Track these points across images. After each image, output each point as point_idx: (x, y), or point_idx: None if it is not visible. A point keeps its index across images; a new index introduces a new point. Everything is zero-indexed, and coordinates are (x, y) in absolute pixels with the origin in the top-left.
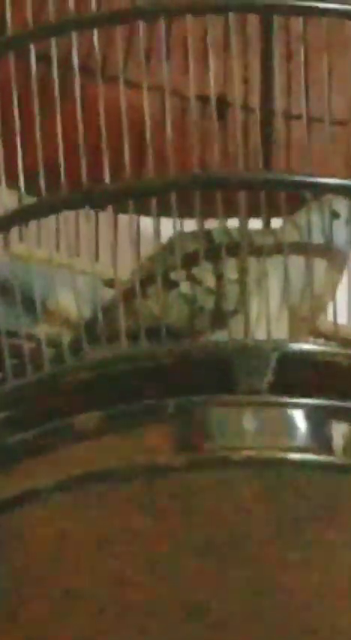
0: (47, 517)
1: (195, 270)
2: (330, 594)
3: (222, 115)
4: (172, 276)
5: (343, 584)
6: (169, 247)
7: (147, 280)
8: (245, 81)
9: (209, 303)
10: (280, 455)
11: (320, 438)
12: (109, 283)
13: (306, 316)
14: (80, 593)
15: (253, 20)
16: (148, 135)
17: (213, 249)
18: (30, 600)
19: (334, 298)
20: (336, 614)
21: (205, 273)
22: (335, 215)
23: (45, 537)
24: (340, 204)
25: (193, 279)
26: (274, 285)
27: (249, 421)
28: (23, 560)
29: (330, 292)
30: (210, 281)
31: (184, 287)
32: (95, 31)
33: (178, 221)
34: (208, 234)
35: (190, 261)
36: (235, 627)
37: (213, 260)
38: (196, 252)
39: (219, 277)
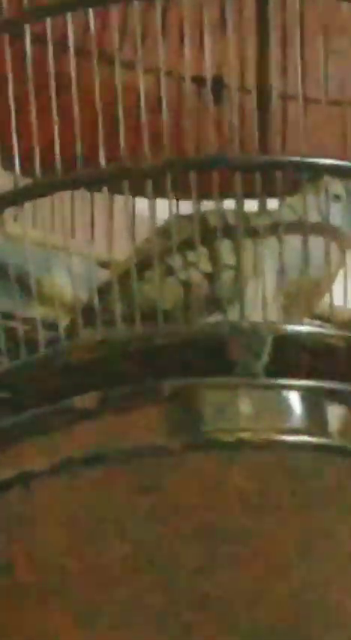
0: (43, 500)
1: (191, 255)
2: (328, 576)
3: (218, 95)
4: (168, 261)
5: (341, 567)
6: (165, 231)
7: (143, 264)
8: (241, 61)
9: (205, 287)
10: (276, 437)
11: (316, 420)
12: (105, 265)
13: (303, 299)
14: (76, 576)
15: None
16: (143, 116)
17: (208, 233)
18: (25, 583)
19: (333, 282)
20: (333, 596)
21: (201, 257)
22: (335, 197)
23: (40, 521)
24: (337, 186)
25: (188, 264)
26: (270, 267)
27: (244, 403)
28: (18, 543)
29: (330, 276)
30: (206, 266)
31: (180, 272)
32: (91, 12)
33: (173, 203)
34: (203, 216)
35: (186, 245)
36: (233, 612)
37: (208, 243)
38: (192, 235)
39: (215, 261)
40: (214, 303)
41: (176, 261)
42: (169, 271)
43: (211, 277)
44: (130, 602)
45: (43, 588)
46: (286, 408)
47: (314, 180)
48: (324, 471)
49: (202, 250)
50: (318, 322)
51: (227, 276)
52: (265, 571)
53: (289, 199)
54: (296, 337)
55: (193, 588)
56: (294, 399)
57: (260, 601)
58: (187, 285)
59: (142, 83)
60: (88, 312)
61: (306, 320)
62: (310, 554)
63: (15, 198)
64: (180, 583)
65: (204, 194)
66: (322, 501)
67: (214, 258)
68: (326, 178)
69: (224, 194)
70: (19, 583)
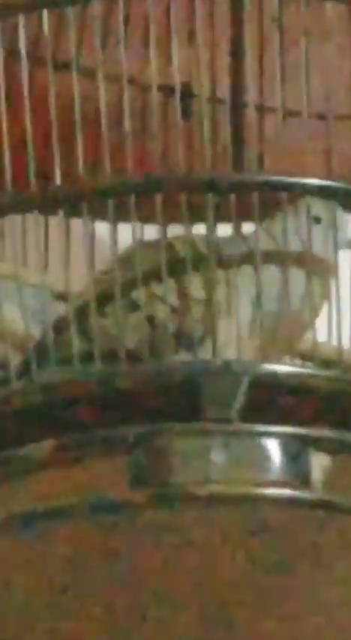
0: None
1: (156, 287)
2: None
3: (187, 107)
4: (132, 295)
5: (320, 630)
6: (127, 259)
7: (103, 297)
8: (213, 69)
9: (172, 323)
10: (252, 490)
11: (297, 471)
12: (61, 297)
13: (282, 335)
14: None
15: (222, 0)
16: (104, 130)
17: (176, 262)
18: None
19: (316, 316)
20: None
21: (168, 289)
22: (316, 220)
23: None
24: (319, 207)
25: (154, 297)
26: (245, 300)
27: (217, 452)
28: None
29: (312, 309)
30: (173, 299)
31: (145, 306)
32: (45, 13)
33: (137, 227)
34: (170, 245)
35: (150, 275)
36: None
37: (176, 274)
38: (158, 265)
39: (183, 294)
40: (183, 341)
41: (140, 293)
42: (133, 305)
43: (179, 312)
44: None
45: None
46: (264, 458)
47: (294, 201)
48: (306, 527)
49: (170, 282)
50: (299, 361)
51: (197, 310)
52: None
53: (265, 223)
54: (275, 378)
55: None
56: (272, 448)
57: None
58: (152, 320)
59: (103, 93)
60: (41, 349)
61: (285, 359)
62: (287, 623)
63: None
64: None
65: (172, 217)
66: (305, 562)
67: (182, 290)
68: (307, 200)
69: (194, 218)
70: None
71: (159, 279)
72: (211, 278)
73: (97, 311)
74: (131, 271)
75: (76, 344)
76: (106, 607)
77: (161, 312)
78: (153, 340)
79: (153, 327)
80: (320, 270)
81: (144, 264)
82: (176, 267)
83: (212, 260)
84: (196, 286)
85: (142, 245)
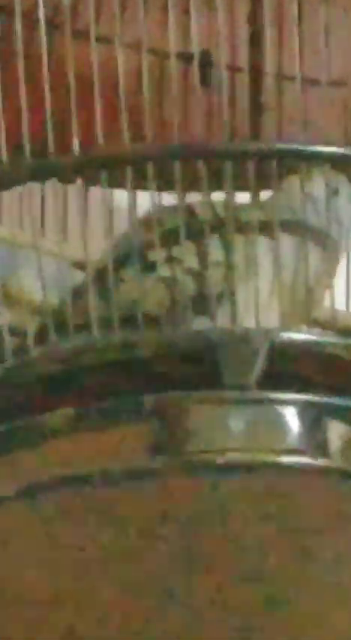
0: (7, 529)
1: (175, 250)
2: (325, 609)
3: (206, 74)
4: (150, 256)
5: (340, 600)
6: (146, 223)
7: (121, 261)
8: (232, 36)
9: (191, 287)
10: (270, 458)
11: (315, 439)
12: (79, 265)
13: (300, 302)
14: (43, 614)
15: None
16: (122, 97)
17: (195, 226)
18: None
19: (331, 282)
20: (330, 626)
21: (187, 253)
22: (334, 191)
23: (4, 553)
24: (337, 176)
25: (173, 260)
26: (264, 266)
27: (235, 420)
28: None
29: (328, 275)
30: (192, 262)
31: (163, 269)
32: None
33: (156, 194)
34: (189, 208)
35: (169, 239)
36: None
37: (195, 238)
38: (177, 228)
39: (202, 258)
40: (202, 306)
41: (159, 256)
42: (151, 268)
43: (198, 276)
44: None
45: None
46: (282, 426)
47: (309, 170)
48: (323, 496)
49: (189, 246)
50: (318, 329)
51: (216, 274)
52: (258, 604)
53: (282, 191)
54: (293, 346)
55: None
56: (290, 416)
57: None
58: (171, 283)
59: (121, 60)
60: (59, 316)
61: (304, 326)
62: (305, 587)
63: None
64: (167, 618)
65: (190, 185)
66: (322, 530)
67: (201, 254)
68: (324, 169)
69: (213, 185)
70: None
71: (178, 242)
72: (230, 241)
73: (115, 275)
74: (150, 234)
75: (95, 310)
76: (128, 572)
77: (180, 276)
78: (172, 304)
79: (171, 290)
80: (338, 238)
81: (164, 226)
82: (196, 230)
83: (231, 224)
84: (215, 250)
85: (161, 208)
